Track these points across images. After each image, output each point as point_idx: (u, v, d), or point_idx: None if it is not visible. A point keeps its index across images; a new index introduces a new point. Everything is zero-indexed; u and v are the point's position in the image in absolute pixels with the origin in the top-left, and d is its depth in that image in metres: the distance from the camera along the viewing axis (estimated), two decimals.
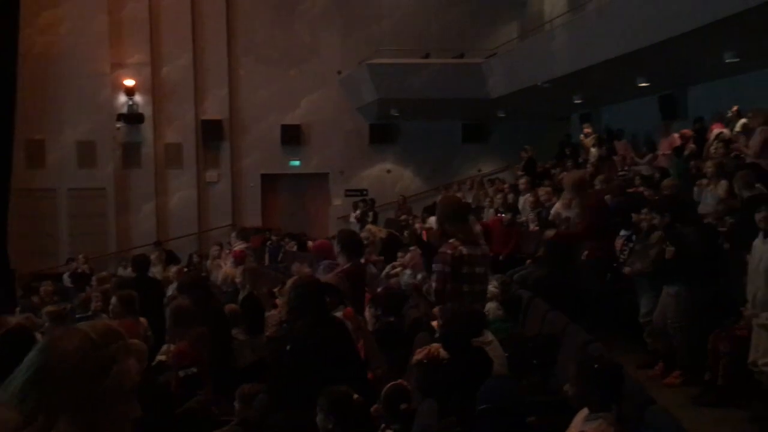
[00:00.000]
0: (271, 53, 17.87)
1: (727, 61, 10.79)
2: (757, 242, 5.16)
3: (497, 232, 9.65)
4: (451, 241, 4.68)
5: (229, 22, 17.85)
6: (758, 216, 5.08)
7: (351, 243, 5.63)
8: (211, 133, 17.84)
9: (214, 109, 17.89)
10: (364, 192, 17.95)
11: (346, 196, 18.08)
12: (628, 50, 11.00)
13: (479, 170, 18.07)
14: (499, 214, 10.72)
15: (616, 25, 11.20)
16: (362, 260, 5.97)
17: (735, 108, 10.73)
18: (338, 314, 4.71)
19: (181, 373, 4.61)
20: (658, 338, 6.20)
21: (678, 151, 10.75)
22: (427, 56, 16.51)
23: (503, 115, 17.22)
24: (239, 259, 9.62)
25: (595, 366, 3.37)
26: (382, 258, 9.25)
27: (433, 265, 4.77)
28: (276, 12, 17.98)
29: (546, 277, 7.98)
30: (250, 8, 17.94)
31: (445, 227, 4.90)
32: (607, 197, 8.73)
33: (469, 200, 14.31)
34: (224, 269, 9.47)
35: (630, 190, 9.96)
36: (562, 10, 16.12)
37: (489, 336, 4.47)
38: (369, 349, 4.83)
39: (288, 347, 4.15)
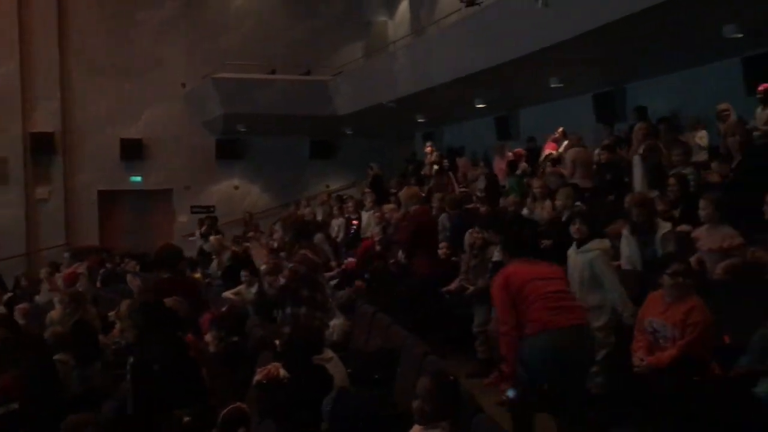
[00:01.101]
0: (109, 63, 16.98)
1: (552, 86, 11.72)
2: (571, 252, 5.57)
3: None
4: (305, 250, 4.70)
5: (60, 29, 16.77)
6: (572, 228, 5.51)
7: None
8: (41, 147, 16.60)
9: (45, 121, 16.69)
10: (211, 208, 17.51)
11: (192, 212, 17.52)
12: (465, 73, 11.61)
13: (327, 186, 18.22)
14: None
15: (454, 50, 11.79)
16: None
17: (560, 129, 11.61)
18: None
19: (1, 410, 4.26)
20: (492, 348, 6.53)
21: (512, 166, 11.43)
22: (273, 72, 16.45)
23: (350, 132, 17.51)
24: (69, 282, 9.04)
25: (441, 380, 3.47)
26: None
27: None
28: (114, 20, 17.14)
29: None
30: (85, 15, 16.98)
31: (302, 246, 4.91)
32: (444, 214, 9.12)
33: (319, 216, 14.40)
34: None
35: (468, 207, 10.46)
36: (405, 33, 16.72)
37: (329, 353, 4.51)
38: (211, 375, 4.71)
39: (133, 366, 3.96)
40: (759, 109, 8.63)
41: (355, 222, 11.94)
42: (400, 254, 8.45)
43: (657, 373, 4.54)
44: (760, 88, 8.65)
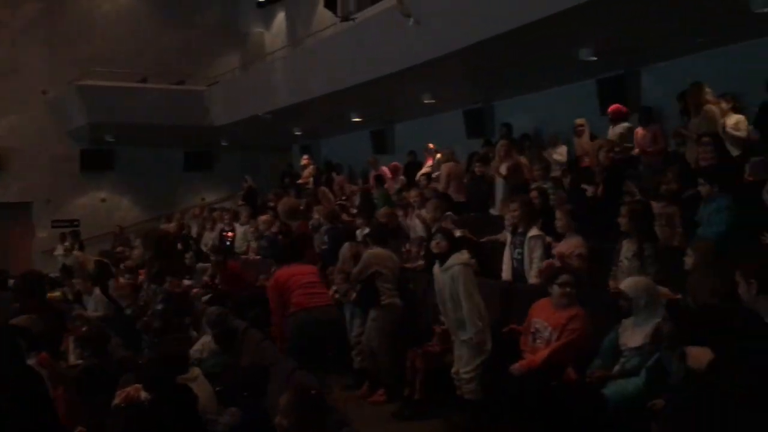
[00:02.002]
0: None
1: (425, 101, 12.06)
2: (435, 270, 5.62)
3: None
4: (172, 280, 4.55)
5: None
6: (433, 243, 5.65)
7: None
8: None
9: None
10: (75, 222, 16.58)
11: (54, 227, 16.52)
12: (340, 87, 11.72)
13: (203, 199, 17.76)
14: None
15: (330, 63, 11.87)
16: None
17: (431, 145, 11.92)
18: (31, 362, 4.27)
19: None
20: (366, 359, 6.60)
21: (378, 180, 11.62)
22: (144, 80, 15.86)
23: (226, 144, 17.17)
24: None
25: (302, 394, 3.46)
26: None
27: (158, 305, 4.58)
28: None
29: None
30: None
31: (161, 263, 4.73)
32: (323, 226, 9.14)
33: (194, 229, 13.98)
34: None
35: (346, 219, 10.52)
36: (281, 44, 16.64)
37: (195, 371, 4.38)
38: (70, 396, 4.43)
39: None
40: (610, 128, 9.31)
41: (229, 234, 11.70)
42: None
43: (520, 379, 4.76)
44: (610, 109, 9.33)
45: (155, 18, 17.85)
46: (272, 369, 4.97)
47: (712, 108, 7.52)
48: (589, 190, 7.01)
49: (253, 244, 10.86)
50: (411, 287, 6.94)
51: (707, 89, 7.66)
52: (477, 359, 5.27)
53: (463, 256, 5.45)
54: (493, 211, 8.70)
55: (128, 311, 5.97)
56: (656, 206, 6.01)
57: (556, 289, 4.99)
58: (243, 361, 5.85)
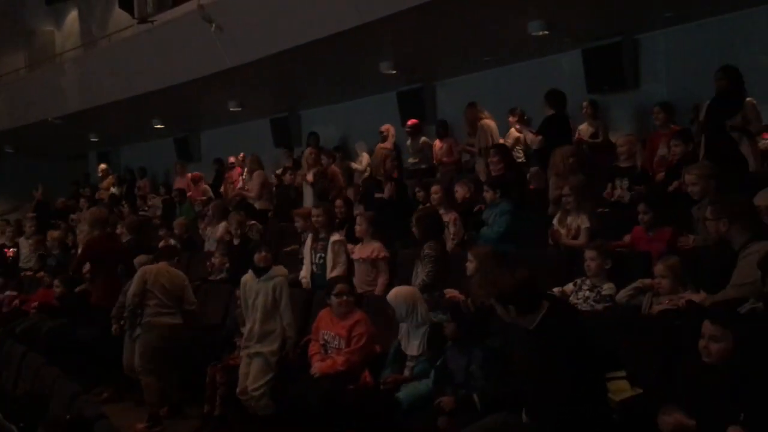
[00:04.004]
0: None
1: (231, 109, 11.83)
2: (248, 278, 5.61)
3: None
4: None
5: None
6: (258, 256, 5.55)
7: None
8: None
9: None
10: None
11: None
12: (139, 92, 11.14)
13: None
14: None
15: (127, 67, 11.22)
16: None
17: (242, 154, 11.69)
18: None
19: None
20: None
21: (179, 193, 11.25)
22: None
23: (11, 151, 15.65)
24: None
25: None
26: None
27: None
28: None
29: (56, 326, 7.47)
30: None
31: None
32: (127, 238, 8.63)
33: None
34: None
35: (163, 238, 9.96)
36: (74, 44, 15.48)
37: None
38: None
39: None
40: (408, 141, 9.75)
41: (10, 251, 10.63)
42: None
43: (317, 386, 4.79)
44: (409, 123, 9.78)
45: None
46: (53, 396, 4.57)
47: (487, 122, 8.17)
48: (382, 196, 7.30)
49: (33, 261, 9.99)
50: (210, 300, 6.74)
51: (480, 106, 8.35)
52: (267, 375, 5.26)
53: (283, 269, 5.56)
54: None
55: None
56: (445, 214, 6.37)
57: (333, 300, 5.09)
58: (20, 389, 5.33)
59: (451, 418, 3.95)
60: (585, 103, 8.20)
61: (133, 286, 6.05)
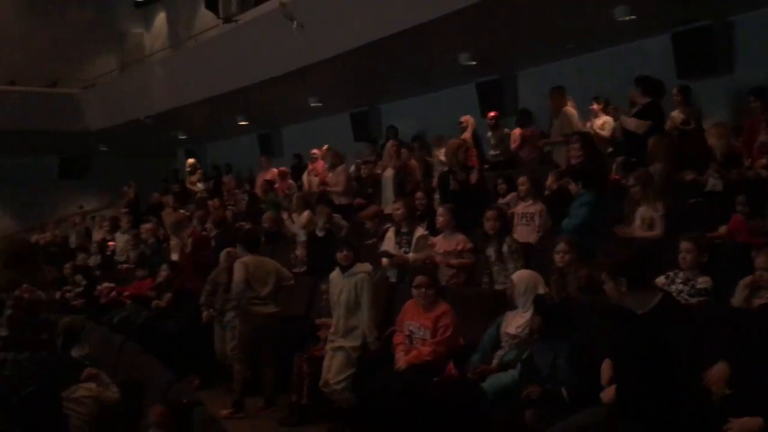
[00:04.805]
0: None
1: (312, 104, 12.01)
2: (334, 276, 5.74)
3: None
4: (24, 286, 4.23)
5: None
6: (340, 255, 5.65)
7: None
8: None
9: None
10: None
11: None
12: (225, 90, 11.47)
13: (81, 207, 16.85)
14: None
15: (213, 66, 11.58)
16: None
17: (325, 147, 11.84)
18: None
19: None
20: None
21: (266, 186, 11.49)
22: (12, 83, 14.89)
23: (105, 149, 16.42)
24: None
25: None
26: None
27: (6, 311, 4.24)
28: None
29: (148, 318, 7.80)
30: None
31: (11, 273, 4.40)
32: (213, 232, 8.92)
33: (73, 239, 13.29)
34: None
35: (240, 224, 10.26)
36: (162, 46, 16.09)
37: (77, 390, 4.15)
38: None
39: None
40: (489, 133, 9.64)
41: (111, 243, 11.18)
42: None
43: (401, 378, 4.82)
44: (490, 115, 9.67)
45: (24, 17, 16.78)
46: (148, 384, 4.78)
47: (570, 109, 7.95)
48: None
49: (132, 254, 10.43)
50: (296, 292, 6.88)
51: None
52: (348, 370, 5.35)
53: (366, 266, 5.63)
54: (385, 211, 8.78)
55: None
56: (521, 205, 6.27)
57: (414, 292, 5.12)
58: (119, 376, 5.60)
59: (537, 411, 3.90)
60: (675, 90, 7.89)
61: (237, 274, 6.19)
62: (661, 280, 4.51)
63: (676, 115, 7.78)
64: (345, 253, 5.65)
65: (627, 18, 7.60)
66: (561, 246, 4.92)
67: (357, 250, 5.78)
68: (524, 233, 5.99)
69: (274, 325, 6.26)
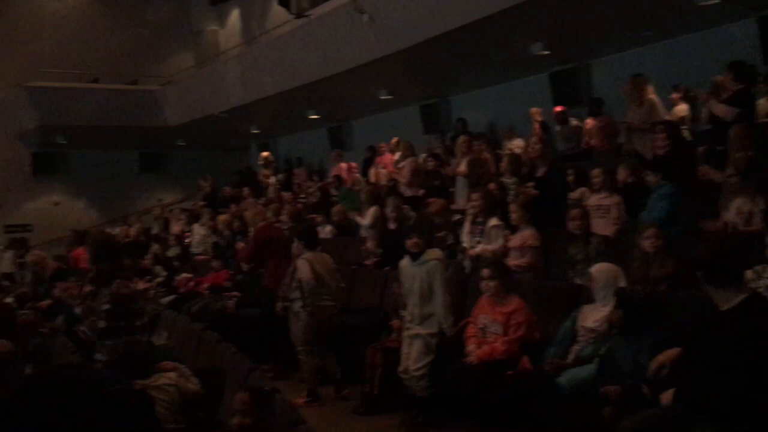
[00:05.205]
0: None
1: (381, 97, 12.06)
2: (405, 264, 5.72)
3: None
4: (119, 281, 4.45)
5: None
6: (409, 242, 5.67)
7: None
8: None
9: None
10: (28, 227, 16.17)
11: (6, 232, 16.09)
12: (296, 84, 11.65)
13: (160, 200, 17.47)
14: None
15: (285, 60, 11.79)
16: None
17: (395, 139, 11.90)
18: None
19: None
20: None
21: (339, 179, 11.61)
22: (95, 81, 15.54)
23: (183, 144, 16.94)
24: None
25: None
26: None
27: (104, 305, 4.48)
28: None
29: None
30: None
31: (102, 266, 4.62)
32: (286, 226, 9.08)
33: (155, 230, 13.77)
34: None
35: (311, 216, 10.43)
36: (236, 42, 16.46)
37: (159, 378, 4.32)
38: None
39: None
40: (558, 127, 9.46)
41: (187, 235, 11.55)
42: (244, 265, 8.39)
43: (476, 371, 4.80)
44: (556, 110, 9.48)
45: (105, 16, 17.49)
46: (229, 371, 4.93)
47: (655, 98, 7.68)
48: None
49: (208, 245, 10.73)
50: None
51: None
52: (427, 357, 5.32)
53: (437, 252, 5.59)
54: (454, 206, 8.74)
55: (77, 311, 5.81)
56: (595, 197, 6.12)
57: (481, 284, 5.09)
58: (199, 363, 5.78)
59: (616, 408, 3.82)
60: (760, 77, 7.54)
61: (306, 270, 6.31)
62: (748, 275, 4.33)
63: (763, 103, 7.44)
64: (415, 240, 5.58)
65: (711, 2, 7.32)
66: (650, 231, 4.77)
67: (427, 237, 5.74)
68: (599, 226, 5.85)
69: (335, 318, 6.38)
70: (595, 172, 6.23)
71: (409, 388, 5.44)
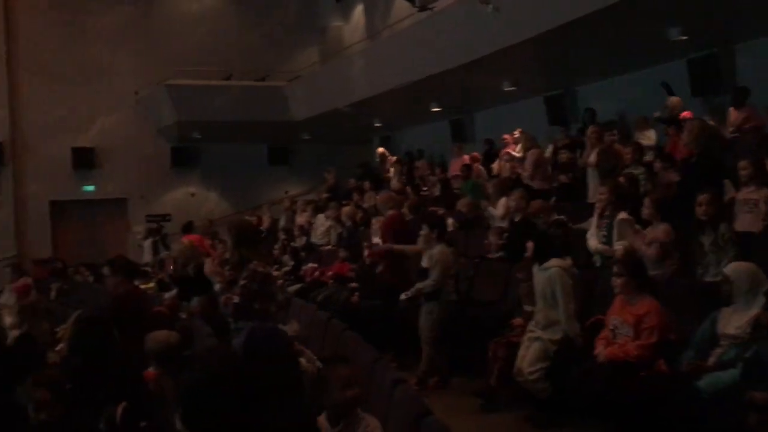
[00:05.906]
0: (59, 70, 16.61)
1: (505, 89, 11.85)
2: (535, 269, 5.64)
3: None
4: (254, 262, 4.65)
5: (8, 34, 16.42)
6: (528, 245, 5.58)
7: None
8: None
9: None
10: (167, 217, 17.25)
11: (148, 221, 17.25)
12: (419, 77, 11.67)
13: (286, 192, 18.11)
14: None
15: (408, 54, 11.83)
16: None
17: (518, 131, 11.67)
18: None
19: None
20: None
21: (465, 171, 11.51)
22: (229, 78, 16.31)
23: (308, 138, 17.46)
24: (22, 294, 8.76)
25: None
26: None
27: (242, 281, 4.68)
28: (65, 26, 16.82)
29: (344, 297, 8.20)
30: (35, 20, 16.63)
31: (241, 251, 4.84)
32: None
33: (282, 222, 14.30)
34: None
35: (432, 209, 10.44)
36: (360, 37, 16.72)
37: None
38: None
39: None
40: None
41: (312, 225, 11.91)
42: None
43: (602, 371, 4.63)
44: (683, 115, 8.91)
45: (238, 15, 18.32)
46: (353, 359, 5.01)
47: None
48: (673, 176, 6.75)
49: (332, 236, 11.01)
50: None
51: None
52: (543, 362, 5.22)
53: (565, 261, 5.45)
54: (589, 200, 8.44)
55: (217, 287, 6.05)
56: (743, 191, 5.71)
57: (613, 281, 4.90)
58: (326, 351, 5.93)
59: (763, 416, 3.56)
60: None
61: (449, 262, 6.41)
62: None
63: None
64: (530, 244, 5.58)
65: None
66: None
67: (548, 242, 5.61)
68: (747, 221, 5.47)
69: (458, 312, 6.44)
70: (743, 164, 5.79)
71: (527, 389, 5.35)
